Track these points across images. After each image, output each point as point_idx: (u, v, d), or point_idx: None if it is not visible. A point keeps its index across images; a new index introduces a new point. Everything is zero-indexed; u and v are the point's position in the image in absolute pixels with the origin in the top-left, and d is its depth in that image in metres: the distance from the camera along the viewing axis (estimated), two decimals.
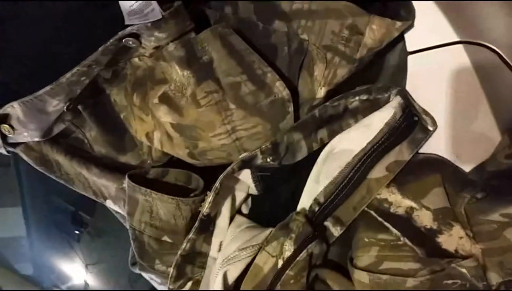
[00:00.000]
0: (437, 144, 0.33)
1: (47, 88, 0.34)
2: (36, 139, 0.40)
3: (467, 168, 0.32)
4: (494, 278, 0.29)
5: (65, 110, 0.36)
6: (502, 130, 0.31)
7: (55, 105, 0.36)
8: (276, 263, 0.31)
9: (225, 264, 0.33)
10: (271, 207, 0.39)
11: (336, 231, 0.33)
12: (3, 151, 0.42)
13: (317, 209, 0.33)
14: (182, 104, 0.35)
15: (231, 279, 0.33)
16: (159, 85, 0.36)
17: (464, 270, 0.28)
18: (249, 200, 0.40)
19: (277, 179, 0.38)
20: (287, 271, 0.30)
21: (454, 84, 0.33)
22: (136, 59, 0.36)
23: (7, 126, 0.38)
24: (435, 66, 0.34)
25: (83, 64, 0.33)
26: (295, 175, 0.37)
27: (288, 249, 0.31)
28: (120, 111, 0.39)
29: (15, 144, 0.41)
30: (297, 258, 0.30)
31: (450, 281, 0.28)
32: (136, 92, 0.37)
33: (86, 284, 1.08)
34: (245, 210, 0.40)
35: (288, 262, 0.30)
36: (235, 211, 0.39)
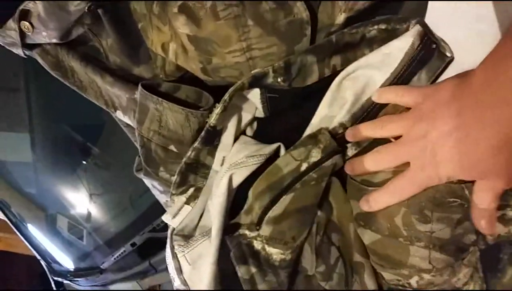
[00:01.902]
0: None
1: None
2: (54, 40, 0.40)
3: None
4: None
5: (86, 11, 0.37)
6: None
7: (77, 5, 0.36)
8: (299, 166, 0.33)
9: (232, 168, 0.34)
10: (275, 132, 0.40)
11: (351, 151, 0.35)
12: (20, 53, 0.42)
13: (341, 131, 0.35)
14: (201, 16, 0.35)
15: (235, 183, 0.34)
16: None
17: (467, 192, 0.30)
18: (255, 123, 0.41)
19: (285, 104, 0.38)
20: (311, 173, 0.33)
21: (473, 24, 0.33)
22: None
23: (27, 23, 0.38)
24: (457, 5, 0.34)
25: None
26: (303, 101, 0.38)
27: (315, 155, 0.33)
28: (139, 21, 0.39)
29: (32, 47, 0.42)
30: (323, 164, 0.33)
31: (451, 199, 0.30)
32: (156, 1, 0.37)
33: (89, 213, 1.12)
34: (249, 132, 0.41)
35: (314, 166, 0.33)
36: (240, 131, 0.40)
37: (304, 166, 0.33)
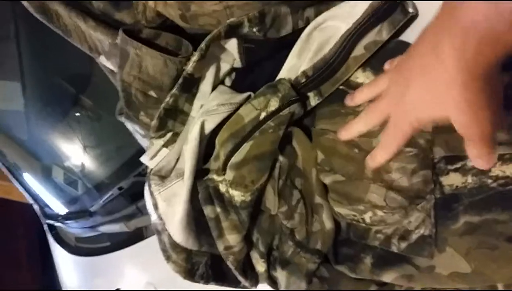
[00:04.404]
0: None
1: None
2: None
3: None
4: (438, 152, 0.33)
5: None
6: None
7: None
8: (259, 115, 0.35)
9: (204, 115, 0.36)
10: (252, 82, 0.41)
11: (313, 101, 0.37)
12: None
13: (303, 80, 0.36)
14: None
15: (207, 129, 0.37)
16: None
17: (422, 141, 0.32)
18: (233, 74, 0.43)
19: (261, 54, 0.40)
20: (269, 122, 0.34)
21: None
22: None
23: None
24: None
25: None
26: (278, 52, 0.39)
27: (273, 105, 0.35)
28: None
29: None
30: (280, 113, 0.34)
31: (407, 149, 0.33)
32: None
33: (83, 165, 1.13)
34: (228, 82, 0.43)
35: (272, 114, 0.34)
36: (219, 81, 0.42)
37: (263, 115, 0.34)
